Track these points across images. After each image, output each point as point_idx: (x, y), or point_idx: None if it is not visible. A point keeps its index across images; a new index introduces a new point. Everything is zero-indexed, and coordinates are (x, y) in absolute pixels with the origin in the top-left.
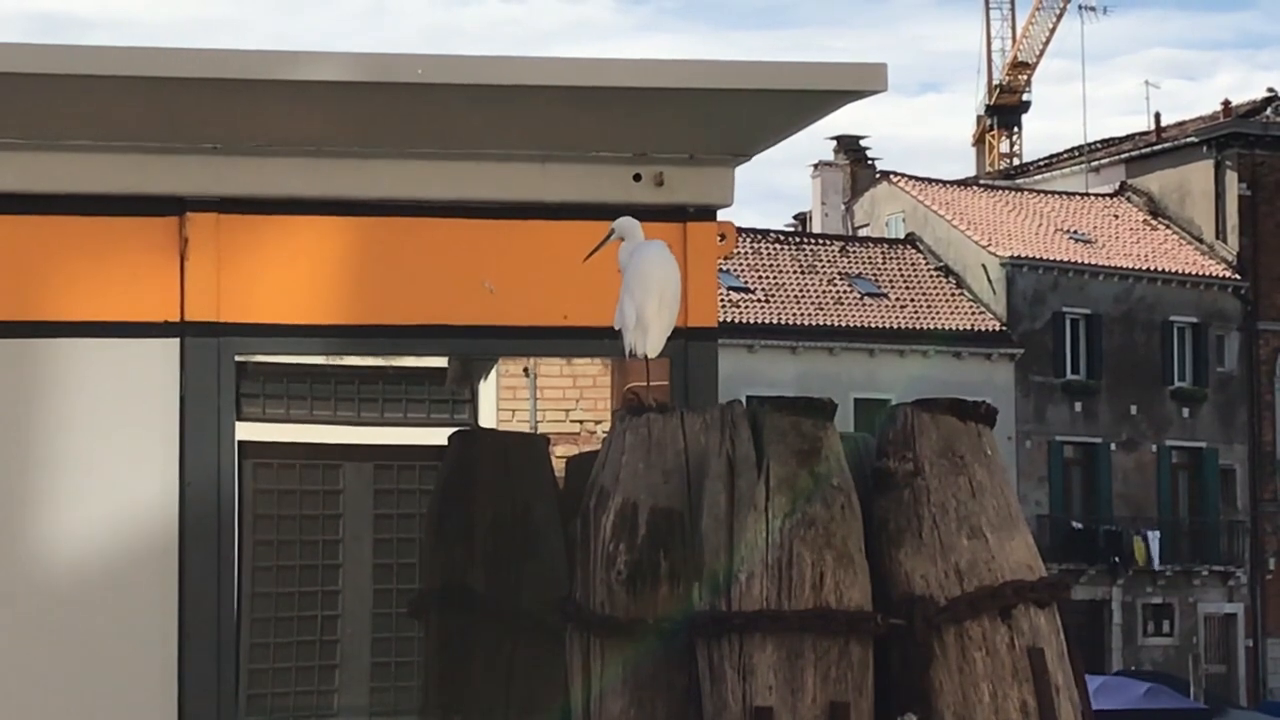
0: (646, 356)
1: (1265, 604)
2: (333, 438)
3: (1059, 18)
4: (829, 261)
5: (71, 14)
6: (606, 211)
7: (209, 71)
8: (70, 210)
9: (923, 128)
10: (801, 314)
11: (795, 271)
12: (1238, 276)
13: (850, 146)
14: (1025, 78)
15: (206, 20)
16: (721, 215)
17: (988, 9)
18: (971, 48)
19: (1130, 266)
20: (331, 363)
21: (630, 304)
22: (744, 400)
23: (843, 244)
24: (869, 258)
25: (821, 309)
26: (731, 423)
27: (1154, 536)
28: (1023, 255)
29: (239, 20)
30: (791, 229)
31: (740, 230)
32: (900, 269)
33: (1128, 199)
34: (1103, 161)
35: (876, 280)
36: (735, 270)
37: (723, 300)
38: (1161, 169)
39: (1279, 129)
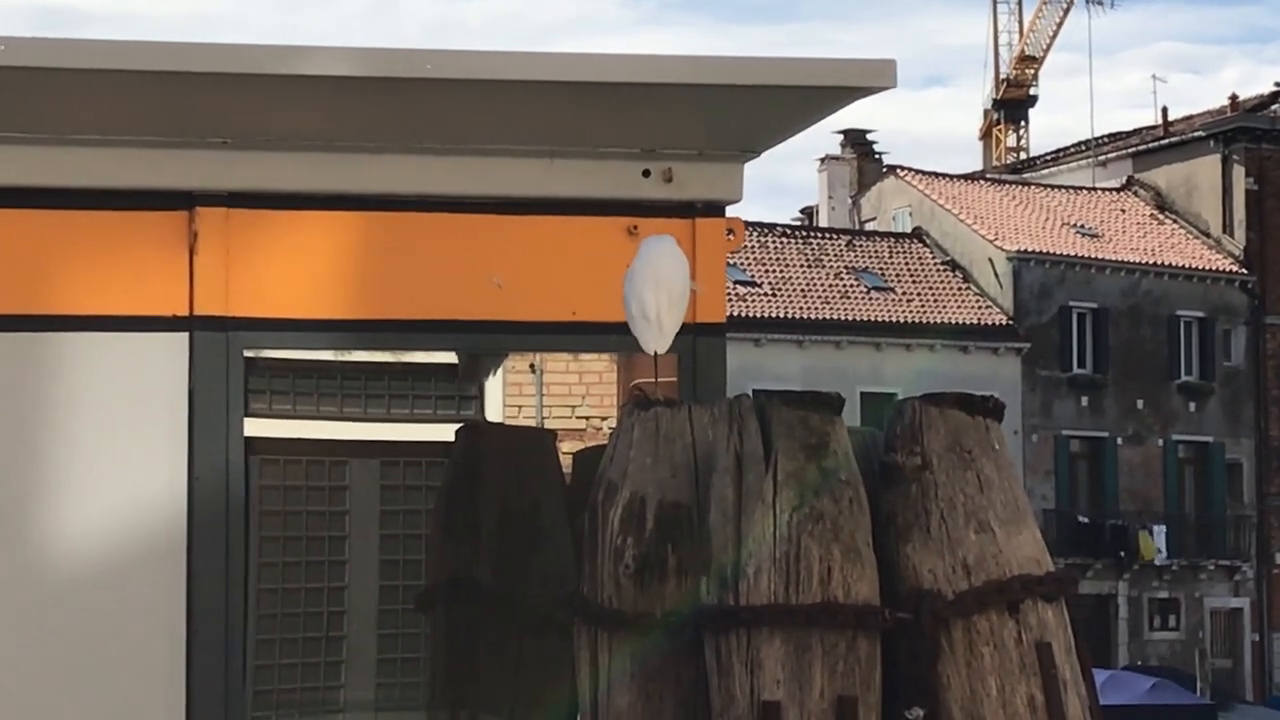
0: (655, 353)
1: (1271, 598)
2: (339, 433)
3: (1066, 12)
4: (835, 255)
5: (72, 8)
6: (615, 207)
7: (218, 66)
8: (79, 205)
9: (929, 122)
10: (808, 308)
11: (802, 265)
12: (1244, 271)
13: (857, 141)
14: (1032, 72)
15: (206, 15)
16: (729, 211)
17: (995, 3)
18: (978, 41)
19: (1137, 261)
20: (338, 358)
21: (647, 297)
22: (750, 394)
23: (849, 238)
24: (875, 252)
25: (828, 303)
26: (739, 417)
27: (1160, 531)
28: (1029, 249)
29: (239, 16)
30: (798, 223)
31: (747, 224)
32: (907, 263)
33: (1134, 193)
34: (1109, 156)
35: (883, 274)
36: (742, 264)
37: (729, 294)
38: (1168, 163)
39: None
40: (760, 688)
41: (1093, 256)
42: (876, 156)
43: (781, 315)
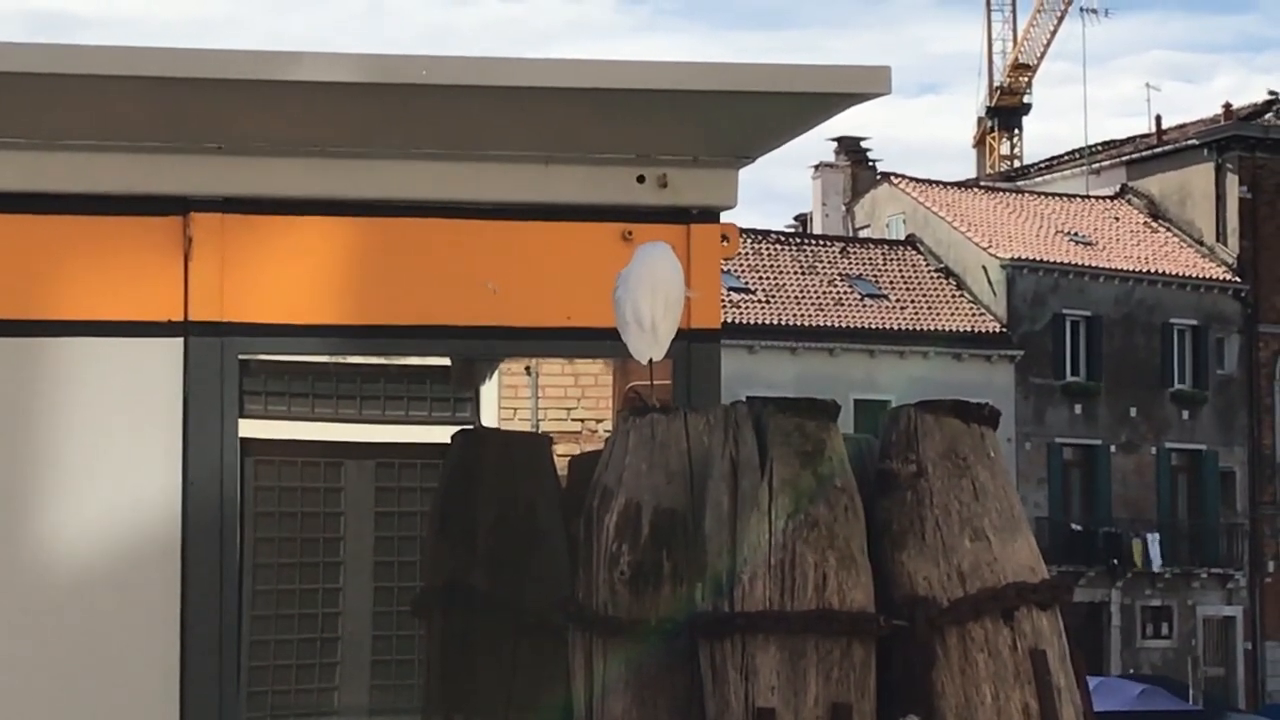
0: (650, 360)
1: (1264, 607)
2: (334, 435)
3: (1060, 20)
4: (829, 262)
5: (68, 12)
6: (610, 213)
7: (213, 71)
8: (74, 210)
9: (923, 129)
10: (801, 315)
11: (795, 272)
12: (1238, 279)
13: (851, 148)
14: (1026, 79)
15: (203, 20)
16: (724, 216)
17: (989, 11)
18: (972, 49)
19: (1130, 269)
20: (333, 360)
21: (643, 304)
22: (744, 401)
23: (843, 245)
24: (869, 259)
25: (822, 310)
26: (735, 423)
27: (1153, 539)
28: (1023, 257)
29: (236, 20)
30: (792, 230)
31: (741, 231)
32: (900, 270)
33: (1128, 201)
34: (1103, 164)
35: (877, 281)
36: (736, 271)
37: (723, 301)
38: (1162, 171)
39: None
40: (755, 694)
41: (1086, 264)
42: (870, 164)
43: (775, 322)
